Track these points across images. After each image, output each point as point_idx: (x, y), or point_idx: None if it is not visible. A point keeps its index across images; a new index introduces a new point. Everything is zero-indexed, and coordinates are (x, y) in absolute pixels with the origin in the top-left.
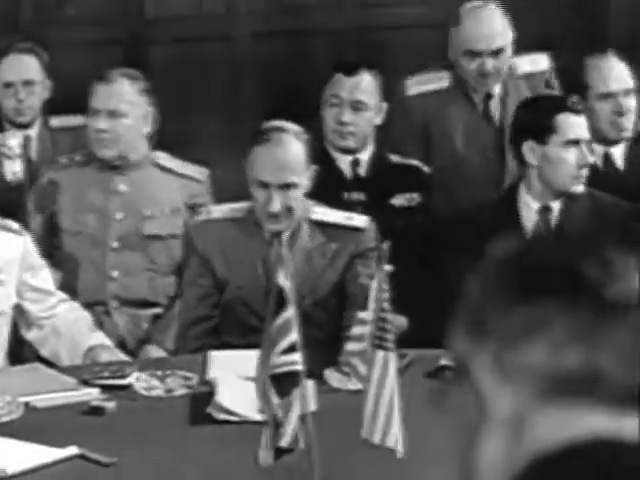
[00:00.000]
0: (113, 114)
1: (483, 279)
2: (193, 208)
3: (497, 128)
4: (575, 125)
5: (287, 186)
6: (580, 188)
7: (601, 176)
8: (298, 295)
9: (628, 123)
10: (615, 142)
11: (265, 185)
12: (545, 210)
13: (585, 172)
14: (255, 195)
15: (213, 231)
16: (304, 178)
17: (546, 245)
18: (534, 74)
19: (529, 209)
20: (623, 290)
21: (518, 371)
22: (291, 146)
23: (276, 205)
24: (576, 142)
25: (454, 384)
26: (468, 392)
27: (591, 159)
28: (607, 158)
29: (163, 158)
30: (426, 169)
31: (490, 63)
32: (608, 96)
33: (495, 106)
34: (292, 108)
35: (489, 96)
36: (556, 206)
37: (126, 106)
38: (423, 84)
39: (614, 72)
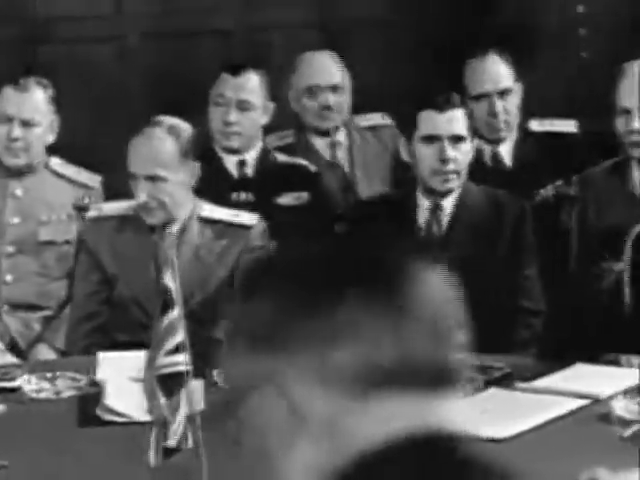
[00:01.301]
0: (27, 123)
1: (271, 290)
2: (82, 209)
3: (345, 175)
4: (434, 121)
5: (153, 178)
6: (449, 186)
7: (489, 174)
8: (187, 292)
9: (500, 124)
10: (501, 140)
11: (135, 177)
12: (436, 209)
13: (448, 168)
14: None
15: (103, 228)
16: (178, 173)
17: (338, 249)
18: (381, 126)
19: (422, 207)
20: (419, 287)
21: (330, 375)
22: (160, 139)
23: (140, 196)
24: (435, 138)
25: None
26: (270, 402)
27: (451, 154)
28: (495, 157)
29: (58, 164)
30: (313, 168)
31: (331, 98)
32: (482, 97)
33: (342, 154)
34: (180, 108)
35: (334, 144)
36: (448, 204)
37: (39, 116)
38: (274, 141)
39: (489, 73)
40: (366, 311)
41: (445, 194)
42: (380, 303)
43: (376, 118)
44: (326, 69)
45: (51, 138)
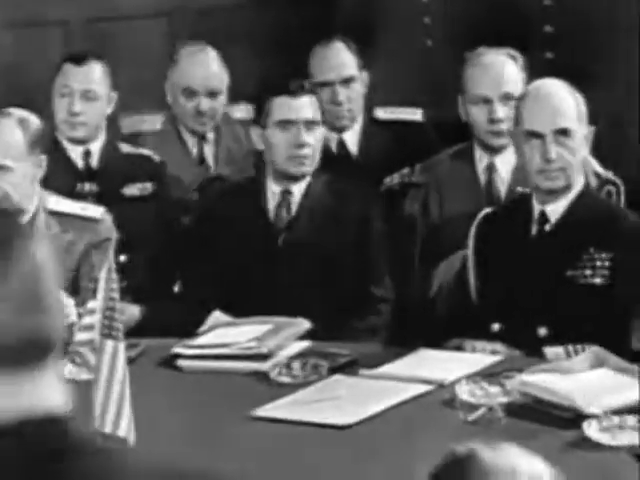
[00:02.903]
0: None
1: None
2: None
3: (210, 172)
4: (289, 107)
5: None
6: (304, 170)
7: (336, 162)
8: None
9: (344, 112)
10: (345, 129)
11: None
12: (286, 194)
13: (304, 152)
14: None
15: None
16: (24, 164)
17: None
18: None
19: (272, 193)
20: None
21: None
22: (8, 131)
23: None
24: (290, 123)
25: None
26: None
27: (308, 139)
28: (341, 145)
29: None
30: (157, 158)
31: (206, 103)
32: (326, 84)
33: (209, 150)
34: (25, 99)
35: (203, 139)
36: (298, 189)
37: None
38: (137, 124)
39: (333, 61)
40: None
41: (297, 179)
42: None
43: (245, 110)
44: (206, 72)
45: None
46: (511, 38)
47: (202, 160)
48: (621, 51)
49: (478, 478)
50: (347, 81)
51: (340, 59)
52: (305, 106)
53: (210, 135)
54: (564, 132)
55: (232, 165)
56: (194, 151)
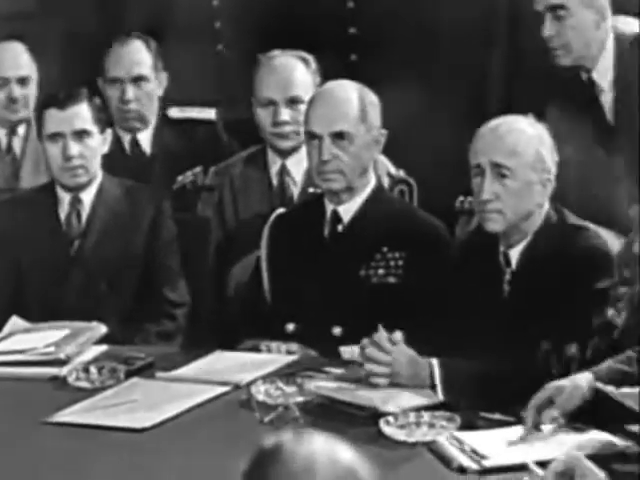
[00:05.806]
0: None
1: None
2: None
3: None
4: (55, 119)
5: None
6: (78, 181)
7: (129, 162)
8: None
9: (130, 112)
10: (137, 129)
11: None
12: (75, 202)
13: (74, 164)
14: None
15: None
16: None
17: None
18: None
19: (62, 202)
20: None
21: None
22: None
23: None
24: (58, 135)
25: None
26: None
27: (74, 151)
28: (134, 144)
29: None
30: None
31: (18, 90)
32: (115, 82)
33: (18, 143)
34: None
35: (13, 132)
36: (87, 196)
37: None
38: None
39: (125, 58)
40: None
41: (79, 188)
42: None
43: None
44: (14, 60)
45: None
46: (313, 40)
47: (9, 155)
48: (422, 54)
49: (283, 467)
50: (137, 80)
51: (134, 57)
52: (74, 117)
53: (21, 129)
54: (341, 135)
55: (37, 164)
56: (3, 143)
